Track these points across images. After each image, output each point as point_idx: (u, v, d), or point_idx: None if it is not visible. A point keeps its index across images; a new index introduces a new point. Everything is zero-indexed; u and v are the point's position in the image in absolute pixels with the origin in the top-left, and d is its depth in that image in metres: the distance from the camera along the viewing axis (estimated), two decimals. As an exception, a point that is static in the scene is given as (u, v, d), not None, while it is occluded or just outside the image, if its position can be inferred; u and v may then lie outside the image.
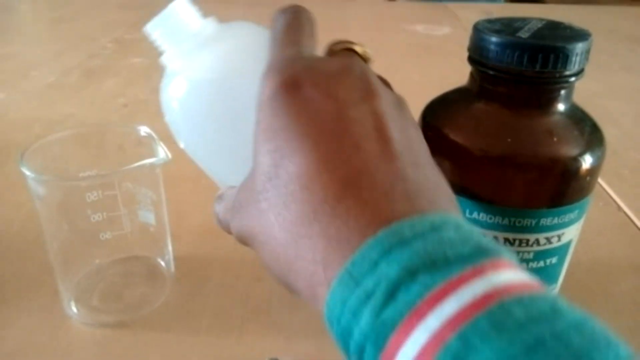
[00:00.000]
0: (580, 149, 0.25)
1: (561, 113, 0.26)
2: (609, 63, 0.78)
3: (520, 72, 0.25)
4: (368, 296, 0.14)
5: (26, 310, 0.32)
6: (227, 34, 0.23)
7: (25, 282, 0.34)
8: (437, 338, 0.13)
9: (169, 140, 0.27)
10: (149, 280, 0.34)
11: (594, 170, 0.26)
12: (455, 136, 0.26)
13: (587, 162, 0.25)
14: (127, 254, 0.35)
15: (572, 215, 0.26)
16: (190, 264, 0.36)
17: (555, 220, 0.26)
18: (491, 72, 0.26)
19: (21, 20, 1.04)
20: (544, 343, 0.12)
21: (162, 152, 0.30)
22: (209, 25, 0.24)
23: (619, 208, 0.45)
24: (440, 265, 0.14)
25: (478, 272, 0.14)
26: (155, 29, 0.23)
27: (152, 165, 0.30)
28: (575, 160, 0.25)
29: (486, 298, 0.13)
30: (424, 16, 1.02)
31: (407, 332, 0.13)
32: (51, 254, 0.32)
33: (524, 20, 0.27)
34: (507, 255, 0.15)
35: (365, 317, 0.14)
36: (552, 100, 0.26)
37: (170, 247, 0.35)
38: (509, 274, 0.14)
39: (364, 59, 0.23)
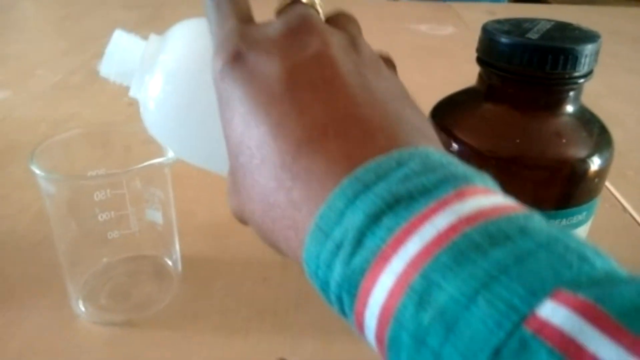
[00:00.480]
0: (588, 150, 0.25)
1: (570, 114, 0.26)
2: (612, 64, 0.78)
3: (529, 73, 0.25)
4: (338, 247, 0.15)
5: (34, 309, 0.33)
6: (169, 42, 0.23)
7: (33, 281, 0.35)
8: (402, 280, 0.13)
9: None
10: (156, 280, 0.35)
11: (602, 172, 0.26)
12: (463, 137, 0.26)
13: (595, 163, 0.25)
14: (135, 253, 0.35)
15: (580, 217, 0.26)
16: (198, 264, 0.36)
17: (564, 222, 0.26)
18: (500, 73, 0.26)
19: (26, 19, 1.04)
20: (506, 269, 0.12)
21: (171, 152, 0.30)
22: (151, 44, 0.24)
23: (624, 209, 0.45)
24: (404, 204, 0.14)
25: (442, 205, 0.14)
26: (109, 72, 0.24)
27: (160, 164, 0.30)
28: (584, 161, 0.25)
29: (449, 231, 0.13)
30: (428, 16, 1.02)
31: (374, 278, 0.14)
32: (59, 253, 0.32)
33: (533, 21, 0.27)
34: (480, 180, 0.15)
35: (337, 268, 0.14)
36: (561, 101, 0.26)
37: (177, 247, 0.35)
38: (477, 201, 0.14)
39: (312, 7, 0.22)
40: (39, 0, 1.14)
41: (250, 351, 0.30)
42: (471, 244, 0.13)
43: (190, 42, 0.23)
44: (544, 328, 0.11)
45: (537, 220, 0.14)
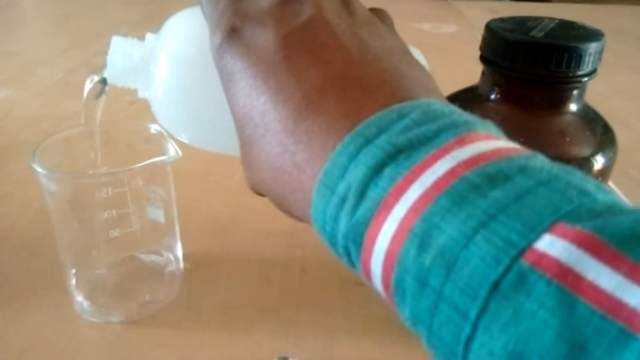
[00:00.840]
0: (592, 149, 0.25)
1: (573, 113, 0.26)
2: (615, 63, 0.78)
3: (533, 71, 0.25)
4: (342, 201, 0.15)
5: (36, 307, 0.32)
6: (166, 35, 0.23)
7: (35, 279, 0.35)
8: (403, 226, 0.13)
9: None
10: (158, 278, 0.35)
11: (605, 171, 0.26)
12: (466, 136, 0.26)
13: (599, 162, 0.25)
14: (137, 252, 0.35)
15: (583, 216, 0.26)
16: (200, 262, 0.36)
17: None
18: (504, 72, 0.26)
19: (27, 17, 1.04)
20: (505, 208, 0.12)
21: (173, 149, 0.30)
22: (148, 42, 0.24)
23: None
24: (406, 153, 0.14)
25: (442, 153, 0.14)
26: (115, 79, 0.24)
27: (162, 162, 0.30)
28: (587, 160, 0.25)
29: (448, 176, 0.13)
30: (430, 14, 1.02)
31: (378, 226, 0.14)
32: (60, 251, 0.32)
33: (536, 20, 0.27)
34: (482, 127, 0.15)
35: (343, 221, 0.15)
36: (564, 100, 0.26)
37: (179, 245, 0.35)
38: (478, 146, 0.14)
39: None
40: (40, -2, 1.14)
41: (252, 349, 0.30)
42: (470, 186, 0.13)
43: (186, 29, 0.23)
44: (542, 260, 0.11)
45: (539, 159, 0.14)
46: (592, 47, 0.24)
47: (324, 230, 0.16)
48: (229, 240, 0.39)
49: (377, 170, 0.14)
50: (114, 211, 0.31)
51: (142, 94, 0.24)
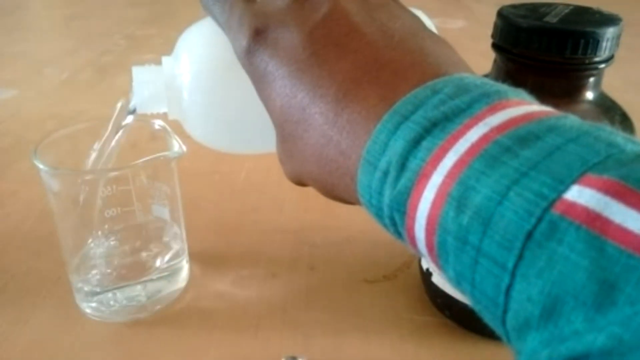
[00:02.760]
0: (610, 138, 0.24)
1: (590, 102, 0.25)
2: (628, 57, 0.76)
3: (548, 58, 0.24)
4: (385, 174, 0.16)
5: (40, 306, 0.32)
6: (181, 53, 0.24)
7: (40, 279, 0.34)
8: (441, 191, 0.14)
9: (184, 134, 0.26)
10: (163, 276, 0.34)
11: (624, 161, 0.25)
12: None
13: (618, 152, 0.24)
14: (142, 250, 0.34)
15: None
16: (205, 260, 0.36)
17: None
18: (517, 59, 0.25)
19: (34, 17, 1.04)
20: (535, 165, 0.13)
21: (177, 145, 0.29)
22: (167, 64, 0.24)
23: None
24: (441, 125, 0.15)
25: (475, 121, 0.14)
26: (144, 108, 0.25)
27: (166, 158, 0.29)
28: (606, 150, 0.24)
29: (481, 141, 0.14)
30: (438, 10, 1.01)
31: (419, 194, 0.15)
32: (64, 249, 0.31)
33: (550, 6, 0.26)
34: (513, 94, 0.15)
35: (387, 193, 0.16)
36: (580, 88, 0.25)
37: (185, 243, 0.34)
38: (509, 112, 0.14)
39: None
40: (47, -1, 1.15)
41: (259, 349, 0.29)
42: (502, 149, 0.14)
43: (200, 44, 0.24)
44: (571, 209, 0.12)
45: (570, 119, 0.14)
46: (610, 32, 0.23)
47: (371, 204, 0.17)
48: (236, 238, 0.38)
49: (414, 143, 0.15)
50: (118, 209, 0.31)
51: (172, 116, 0.25)
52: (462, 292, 0.15)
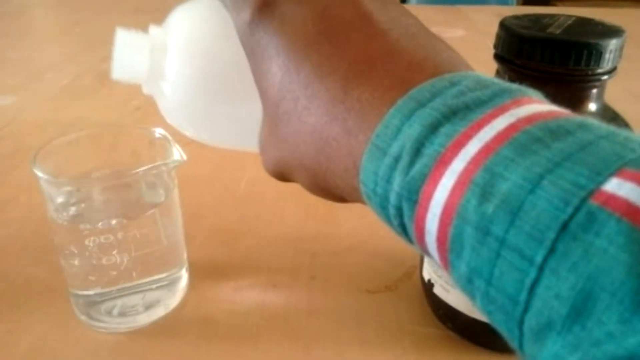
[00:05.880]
0: (613, 150, 0.24)
1: (592, 113, 0.25)
2: (629, 68, 0.76)
3: (551, 69, 0.24)
4: (396, 160, 0.15)
5: (39, 314, 0.32)
6: (172, 24, 0.23)
7: (39, 286, 0.34)
8: (463, 178, 0.13)
9: (184, 142, 0.26)
10: (163, 285, 0.34)
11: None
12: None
13: (621, 164, 0.24)
14: (141, 258, 0.34)
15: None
16: (205, 269, 0.35)
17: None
18: (520, 70, 0.25)
19: (35, 24, 1.04)
20: (569, 156, 0.12)
21: (177, 153, 0.29)
22: (154, 33, 0.23)
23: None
24: (461, 114, 0.14)
25: (499, 111, 0.14)
26: (121, 73, 0.23)
27: (166, 166, 0.29)
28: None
29: (508, 130, 0.13)
30: (438, 19, 1.01)
31: (435, 181, 0.14)
32: (62, 258, 0.31)
33: (552, 17, 0.26)
34: (534, 93, 0.15)
35: (397, 180, 0.15)
36: (583, 99, 0.25)
37: (184, 252, 0.34)
38: (534, 107, 0.14)
39: None
40: (49, 6, 1.15)
41: (260, 359, 0.29)
42: (532, 138, 0.13)
43: (194, 17, 0.23)
44: (610, 200, 0.11)
45: (595, 121, 0.14)
46: (613, 43, 0.23)
47: (375, 193, 0.16)
48: (236, 246, 0.38)
49: (432, 129, 0.14)
50: (117, 217, 0.30)
51: (147, 90, 0.24)
52: (470, 292, 0.14)
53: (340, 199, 0.19)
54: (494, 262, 0.13)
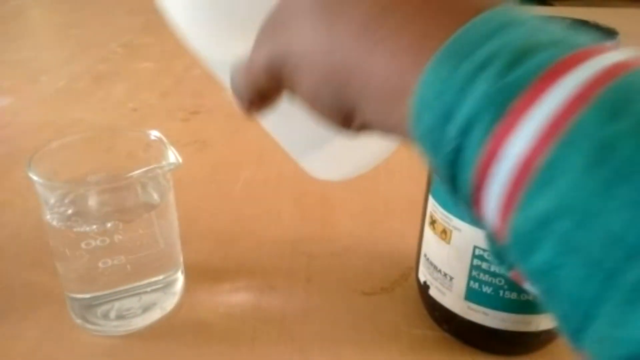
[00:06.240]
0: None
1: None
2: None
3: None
4: (483, 66, 0.13)
5: (35, 318, 0.32)
6: None
7: (34, 290, 0.34)
8: (587, 87, 0.11)
9: (179, 144, 0.26)
10: (158, 288, 0.34)
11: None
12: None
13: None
14: (137, 261, 0.34)
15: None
16: (201, 271, 0.35)
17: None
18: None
19: (31, 26, 1.04)
20: None
21: (173, 156, 0.29)
22: None
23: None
24: (565, 43, 0.13)
25: (599, 49, 0.12)
26: None
27: (162, 169, 0.29)
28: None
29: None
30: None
31: (539, 91, 0.12)
32: (58, 261, 0.31)
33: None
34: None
35: (482, 86, 0.13)
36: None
37: (180, 254, 0.34)
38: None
39: None
40: (45, 8, 1.15)
41: (255, 362, 0.29)
42: None
43: None
44: None
45: None
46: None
47: (431, 107, 0.14)
48: (232, 249, 0.38)
49: (534, 46, 0.13)
50: (113, 220, 0.30)
51: None
52: (541, 246, 0.12)
53: (346, 116, 0.17)
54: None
